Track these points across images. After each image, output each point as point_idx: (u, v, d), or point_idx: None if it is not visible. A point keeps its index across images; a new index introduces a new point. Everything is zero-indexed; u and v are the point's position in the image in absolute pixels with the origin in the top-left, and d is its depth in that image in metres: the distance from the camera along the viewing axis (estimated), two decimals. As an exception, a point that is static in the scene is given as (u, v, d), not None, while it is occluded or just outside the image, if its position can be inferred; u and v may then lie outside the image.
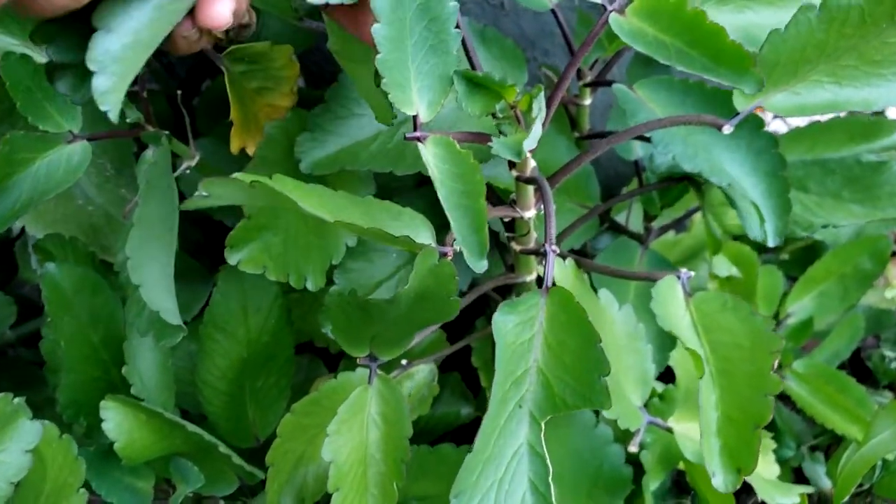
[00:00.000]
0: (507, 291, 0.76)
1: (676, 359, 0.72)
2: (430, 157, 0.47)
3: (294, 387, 0.74)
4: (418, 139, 0.47)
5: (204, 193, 0.45)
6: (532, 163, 0.55)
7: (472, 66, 0.53)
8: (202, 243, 0.83)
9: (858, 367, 1.13)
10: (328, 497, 0.64)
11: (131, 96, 0.63)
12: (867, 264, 0.92)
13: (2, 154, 0.57)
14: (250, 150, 0.64)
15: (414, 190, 0.72)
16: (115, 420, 0.55)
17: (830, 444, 1.04)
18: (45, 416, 0.63)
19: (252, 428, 0.71)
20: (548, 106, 0.52)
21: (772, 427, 1.00)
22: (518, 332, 0.47)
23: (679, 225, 0.91)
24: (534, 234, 0.63)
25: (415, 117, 0.47)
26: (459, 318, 0.76)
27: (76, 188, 0.75)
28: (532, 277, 0.66)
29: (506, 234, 0.63)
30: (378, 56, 0.45)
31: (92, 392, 0.59)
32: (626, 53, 0.69)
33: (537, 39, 0.90)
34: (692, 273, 0.50)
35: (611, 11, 0.48)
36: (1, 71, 0.56)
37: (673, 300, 0.50)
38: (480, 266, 0.46)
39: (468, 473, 0.45)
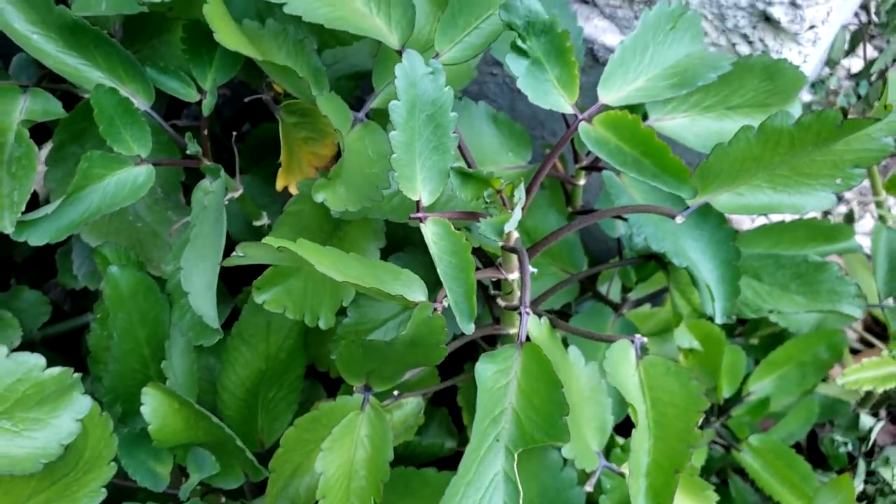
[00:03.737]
0: (494, 340, 0.85)
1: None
2: (430, 234, 0.57)
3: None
4: (420, 219, 0.57)
5: (241, 254, 0.56)
6: (515, 235, 0.64)
7: (463, 156, 0.63)
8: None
9: (814, 453, 1.21)
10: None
11: (193, 132, 0.74)
12: (824, 354, 1.02)
13: (81, 168, 0.67)
14: (292, 189, 0.75)
15: (420, 244, 0.83)
16: (152, 405, 0.64)
17: (780, 518, 1.12)
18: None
19: (259, 434, 0.80)
20: (533, 182, 0.62)
21: (726, 498, 1.08)
22: (496, 378, 0.56)
23: (655, 299, 1.00)
24: (517, 293, 0.72)
25: (418, 202, 0.58)
26: (450, 360, 0.86)
27: (129, 206, 0.85)
28: (515, 330, 0.75)
29: (493, 292, 0.73)
30: (393, 156, 0.56)
31: (130, 382, 0.68)
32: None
33: (547, 121, 1.01)
34: (645, 339, 0.59)
35: (581, 120, 0.59)
36: (92, 99, 0.67)
37: (625, 361, 0.59)
38: (469, 328, 0.55)
39: (452, 495, 0.54)
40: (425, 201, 0.57)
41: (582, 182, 0.80)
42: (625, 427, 0.81)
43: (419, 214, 0.57)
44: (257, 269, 0.73)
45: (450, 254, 0.55)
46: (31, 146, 0.66)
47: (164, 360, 0.67)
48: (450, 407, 0.93)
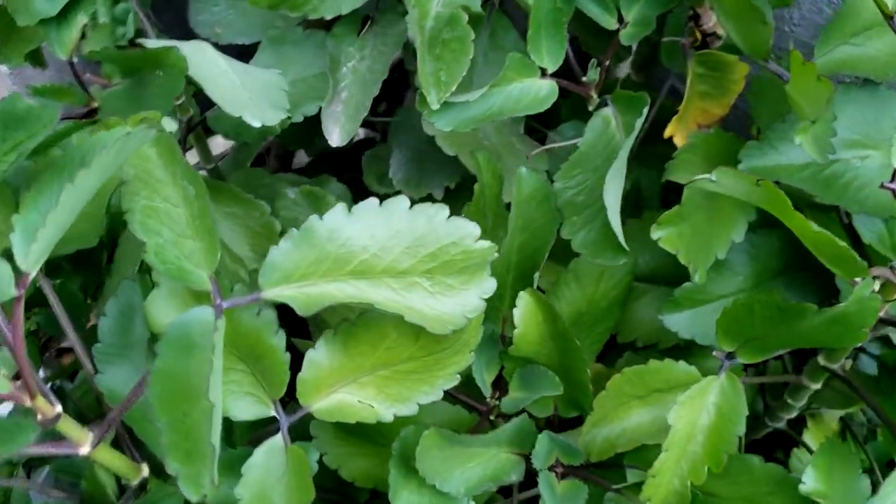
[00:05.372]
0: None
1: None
2: None
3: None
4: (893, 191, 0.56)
5: (713, 178, 0.56)
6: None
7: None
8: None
9: None
10: (600, 462, 0.71)
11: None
12: None
13: (505, 68, 0.67)
14: (677, 140, 0.73)
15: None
16: (524, 310, 0.63)
17: None
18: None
19: (555, 374, 0.79)
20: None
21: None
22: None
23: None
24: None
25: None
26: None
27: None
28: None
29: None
30: None
31: (494, 283, 0.68)
32: None
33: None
34: None
35: None
36: (532, 3, 0.67)
37: None
38: None
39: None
40: None
41: None
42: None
43: (893, 185, 0.54)
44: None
45: None
46: (467, 31, 0.66)
47: (536, 272, 0.66)
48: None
